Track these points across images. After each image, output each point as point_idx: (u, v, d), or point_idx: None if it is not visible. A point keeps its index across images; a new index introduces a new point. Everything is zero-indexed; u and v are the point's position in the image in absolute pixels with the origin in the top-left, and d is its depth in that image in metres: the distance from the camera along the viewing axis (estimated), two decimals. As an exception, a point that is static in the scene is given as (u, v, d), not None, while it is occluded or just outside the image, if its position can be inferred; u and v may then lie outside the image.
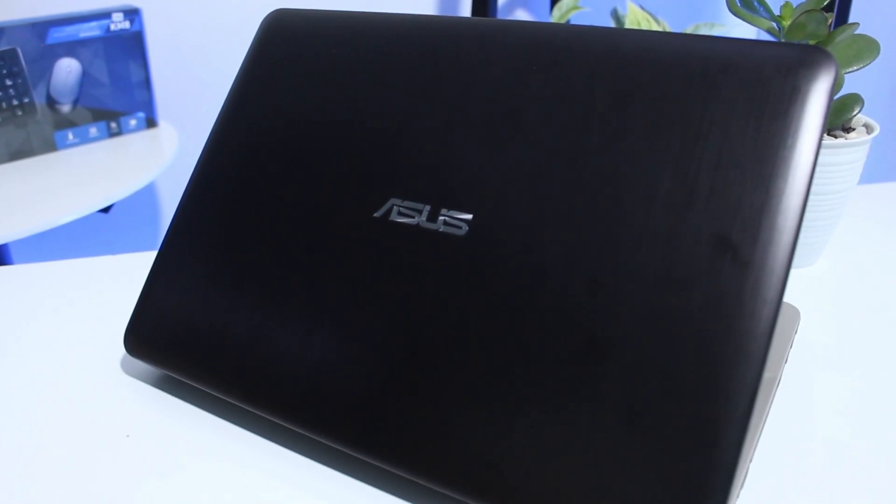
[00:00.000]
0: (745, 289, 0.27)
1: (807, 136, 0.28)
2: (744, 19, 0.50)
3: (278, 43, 0.42)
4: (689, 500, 0.25)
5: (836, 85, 0.33)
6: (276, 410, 0.34)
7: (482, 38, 0.36)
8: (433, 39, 0.37)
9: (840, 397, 0.40)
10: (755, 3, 0.46)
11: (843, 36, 0.46)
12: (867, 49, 0.48)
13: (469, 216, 0.32)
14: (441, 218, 0.33)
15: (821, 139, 0.28)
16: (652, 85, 0.31)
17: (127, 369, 0.42)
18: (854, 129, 0.51)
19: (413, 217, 0.33)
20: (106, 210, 0.85)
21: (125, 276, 0.52)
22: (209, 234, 0.39)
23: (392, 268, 0.33)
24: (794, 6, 0.48)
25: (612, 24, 0.97)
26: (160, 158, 0.98)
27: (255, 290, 0.36)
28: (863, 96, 0.48)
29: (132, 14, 0.99)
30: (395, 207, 0.34)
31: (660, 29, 0.86)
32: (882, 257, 0.55)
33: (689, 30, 0.86)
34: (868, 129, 0.51)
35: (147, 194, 1.39)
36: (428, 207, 0.33)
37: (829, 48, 0.47)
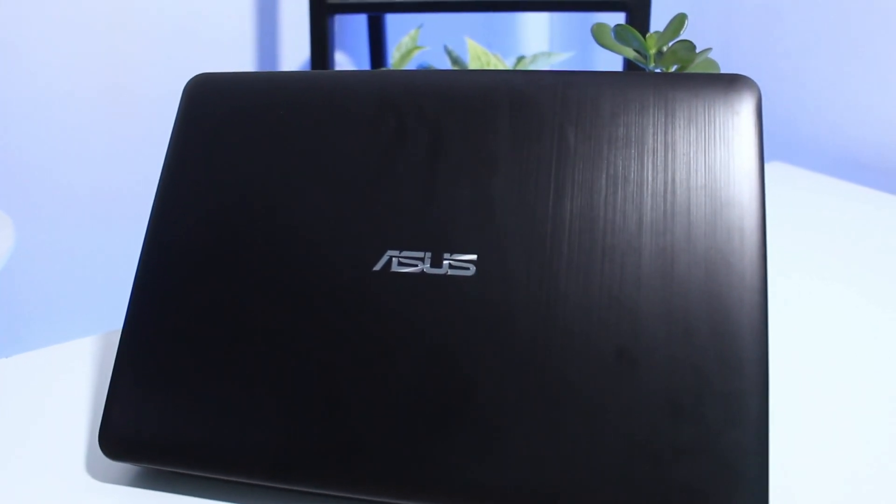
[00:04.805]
0: (734, 281, 0.32)
1: (751, 149, 0.34)
2: (612, 49, 0.57)
3: (210, 108, 0.42)
4: (738, 467, 0.29)
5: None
6: (309, 480, 0.34)
7: (438, 87, 0.38)
8: (386, 92, 0.39)
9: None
10: (629, 36, 0.53)
11: (699, 59, 0.54)
12: (712, 69, 0.57)
13: (474, 256, 0.34)
14: (445, 262, 0.35)
15: (762, 148, 0.34)
16: (613, 119, 0.35)
17: (96, 474, 0.39)
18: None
19: (416, 265, 0.35)
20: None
21: (25, 378, 0.48)
22: (180, 314, 0.38)
23: (407, 315, 0.34)
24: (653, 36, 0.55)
25: (448, 61, 1.02)
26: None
27: (252, 362, 0.36)
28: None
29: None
30: (393, 259, 0.35)
31: (496, 61, 0.93)
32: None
33: (527, 60, 0.94)
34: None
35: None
36: (429, 254, 0.35)
37: (690, 69, 0.55)
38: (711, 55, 0.54)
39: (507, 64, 0.95)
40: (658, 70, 0.57)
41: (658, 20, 0.87)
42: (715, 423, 0.30)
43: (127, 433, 0.37)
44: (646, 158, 0.34)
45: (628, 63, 0.70)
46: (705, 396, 0.31)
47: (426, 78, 0.39)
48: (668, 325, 0.32)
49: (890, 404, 0.42)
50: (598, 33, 0.57)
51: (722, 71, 0.57)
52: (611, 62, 1.20)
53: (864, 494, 0.35)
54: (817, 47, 0.95)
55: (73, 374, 0.48)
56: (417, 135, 0.37)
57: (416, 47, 0.94)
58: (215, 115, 0.41)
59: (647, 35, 0.55)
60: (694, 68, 0.55)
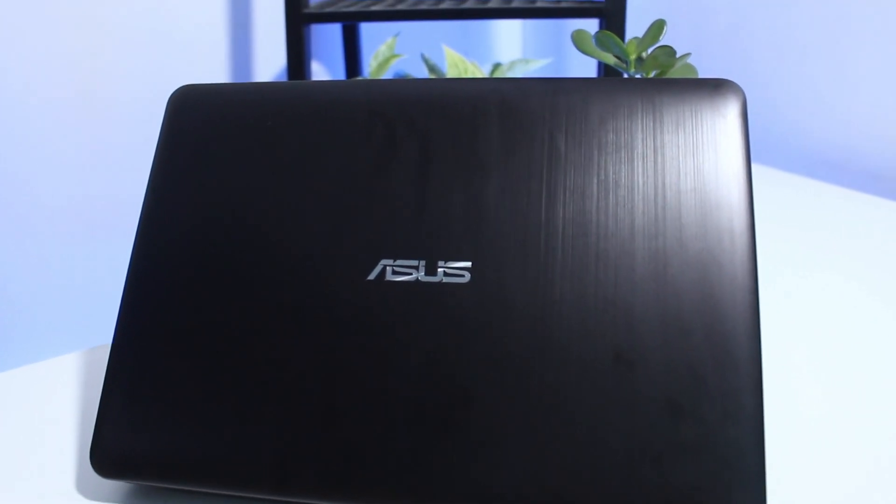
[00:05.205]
0: (726, 282, 0.32)
1: (739, 152, 0.35)
2: (592, 56, 0.57)
3: (196, 120, 0.41)
4: (736, 464, 0.30)
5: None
6: (305, 492, 0.33)
7: (426, 96, 0.39)
8: (374, 102, 0.39)
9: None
10: (610, 42, 0.53)
11: (678, 64, 0.55)
12: (690, 73, 0.58)
13: (468, 263, 0.35)
14: (440, 269, 0.35)
15: (748, 150, 0.35)
16: (602, 125, 0.36)
17: (87, 493, 0.38)
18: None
19: (410, 273, 0.35)
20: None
21: (8, 397, 0.47)
22: (171, 327, 0.37)
23: (403, 323, 0.34)
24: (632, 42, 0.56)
25: (425, 69, 1.03)
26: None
27: (246, 374, 0.35)
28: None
29: None
30: (387, 268, 0.35)
31: (474, 69, 0.93)
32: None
33: (504, 67, 0.95)
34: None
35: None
36: (423, 262, 0.35)
37: (669, 74, 0.56)
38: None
39: (483, 71, 0.96)
40: (638, 76, 0.58)
41: (630, 27, 0.88)
42: (712, 421, 0.31)
43: (119, 450, 0.36)
44: (636, 163, 0.35)
45: (606, 69, 0.71)
46: (702, 396, 0.31)
47: (414, 87, 0.40)
48: (663, 326, 0.32)
49: (883, 398, 0.43)
50: (578, 40, 0.57)
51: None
52: (586, 68, 1.21)
53: (862, 490, 0.36)
54: (787, 51, 0.97)
55: (57, 392, 0.47)
56: (408, 144, 0.37)
57: (394, 56, 0.93)
58: (201, 127, 0.41)
59: (628, 41, 0.55)
60: (673, 73, 0.56)
